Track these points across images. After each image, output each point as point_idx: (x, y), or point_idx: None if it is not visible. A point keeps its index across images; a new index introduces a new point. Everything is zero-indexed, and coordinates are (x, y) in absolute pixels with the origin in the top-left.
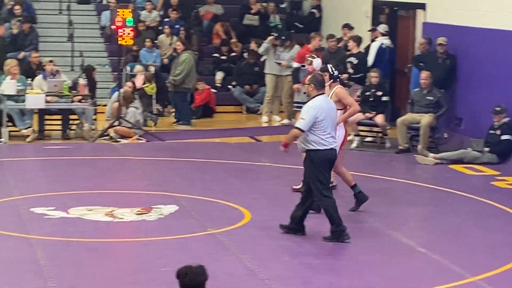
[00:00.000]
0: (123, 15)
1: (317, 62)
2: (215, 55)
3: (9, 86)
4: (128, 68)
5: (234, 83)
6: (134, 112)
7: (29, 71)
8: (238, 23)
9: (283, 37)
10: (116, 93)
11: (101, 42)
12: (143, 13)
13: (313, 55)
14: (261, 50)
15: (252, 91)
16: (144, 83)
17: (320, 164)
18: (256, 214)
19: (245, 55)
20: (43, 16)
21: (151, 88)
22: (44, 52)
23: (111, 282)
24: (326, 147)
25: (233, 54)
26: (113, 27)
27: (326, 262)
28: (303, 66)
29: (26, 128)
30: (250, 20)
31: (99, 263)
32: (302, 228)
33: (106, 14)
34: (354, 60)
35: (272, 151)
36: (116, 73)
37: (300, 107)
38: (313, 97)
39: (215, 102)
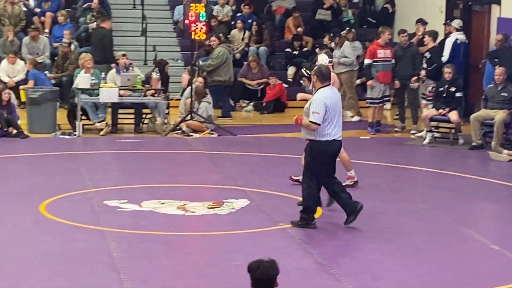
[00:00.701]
0: (196, 9)
1: (321, 57)
2: (287, 50)
3: (84, 80)
4: (201, 62)
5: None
6: (206, 106)
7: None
8: (310, 17)
9: (331, 34)
10: (189, 88)
11: (174, 36)
12: (216, 8)
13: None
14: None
15: None
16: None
17: (316, 154)
18: (327, 209)
19: (317, 50)
20: (117, 11)
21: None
22: (118, 47)
23: (183, 275)
24: (327, 139)
25: (305, 49)
26: (186, 21)
27: (397, 258)
28: (375, 61)
29: (99, 122)
30: (323, 15)
31: (171, 256)
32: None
33: (179, 9)
34: (428, 55)
35: (343, 146)
36: (188, 67)
37: (373, 103)
38: (318, 89)
39: (287, 97)
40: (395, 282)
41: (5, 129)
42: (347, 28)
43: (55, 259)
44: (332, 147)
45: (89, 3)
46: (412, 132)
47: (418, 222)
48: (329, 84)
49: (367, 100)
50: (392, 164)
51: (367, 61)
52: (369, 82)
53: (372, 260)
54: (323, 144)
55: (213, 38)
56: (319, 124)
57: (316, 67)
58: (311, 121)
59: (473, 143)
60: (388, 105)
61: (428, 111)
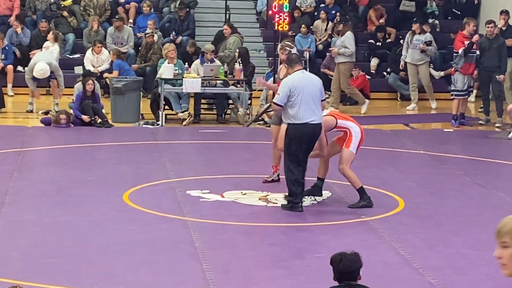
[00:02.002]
0: (280, 0)
1: (294, 51)
2: (370, 41)
3: (167, 70)
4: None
5: (389, 69)
6: None
7: (186, 55)
8: (394, 9)
9: (335, 22)
10: (271, 79)
11: (256, 27)
12: None
13: (289, 43)
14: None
15: (407, 78)
16: None
17: (292, 137)
18: (410, 202)
19: (401, 41)
20: (201, 1)
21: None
22: (201, 37)
23: (265, 266)
24: (300, 121)
25: (389, 40)
26: (269, 12)
27: (483, 253)
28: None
29: (182, 112)
30: (407, 6)
31: (252, 247)
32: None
33: (262, 0)
34: None
35: (426, 139)
36: (271, 58)
37: (458, 95)
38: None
39: (369, 88)
40: (479, 277)
41: (93, 118)
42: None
43: (138, 248)
44: (305, 130)
45: None
46: (496, 125)
47: (502, 217)
48: (301, 69)
49: (452, 92)
50: (476, 157)
51: (461, 50)
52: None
53: (456, 254)
54: (296, 127)
55: (225, 26)
56: (279, 105)
57: (287, 57)
58: (272, 102)
59: None
60: (472, 97)
61: None
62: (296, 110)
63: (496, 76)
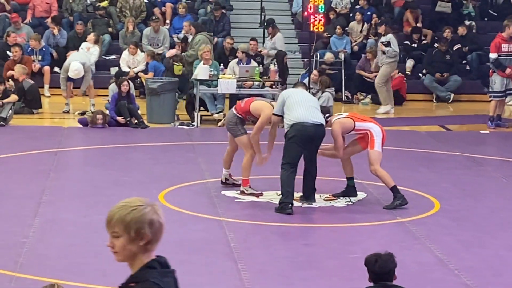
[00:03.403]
0: (315, 1)
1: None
2: (406, 42)
3: (202, 71)
4: (318, 55)
5: (424, 71)
6: (328, 97)
7: (222, 56)
8: (430, 10)
9: (265, 23)
10: (306, 79)
11: (292, 28)
12: (335, 0)
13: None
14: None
15: (443, 80)
16: None
17: (288, 137)
18: (446, 204)
19: (436, 44)
20: (236, 3)
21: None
22: (236, 38)
23: (300, 266)
24: (297, 121)
25: (424, 41)
26: (304, 13)
27: None
28: (499, 55)
29: (217, 113)
30: (443, 7)
31: (288, 248)
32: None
33: (298, 1)
34: None
35: (462, 140)
36: (306, 59)
37: (495, 97)
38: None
39: (406, 90)
40: None
41: (128, 118)
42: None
43: (175, 248)
44: (302, 130)
45: None
46: None
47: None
48: (301, 88)
49: (489, 94)
50: None
51: (492, 55)
52: (508, 71)
53: (493, 255)
54: (295, 128)
55: (190, 26)
56: (277, 115)
57: None
58: (273, 114)
59: None
60: (510, 100)
61: None
62: (293, 111)
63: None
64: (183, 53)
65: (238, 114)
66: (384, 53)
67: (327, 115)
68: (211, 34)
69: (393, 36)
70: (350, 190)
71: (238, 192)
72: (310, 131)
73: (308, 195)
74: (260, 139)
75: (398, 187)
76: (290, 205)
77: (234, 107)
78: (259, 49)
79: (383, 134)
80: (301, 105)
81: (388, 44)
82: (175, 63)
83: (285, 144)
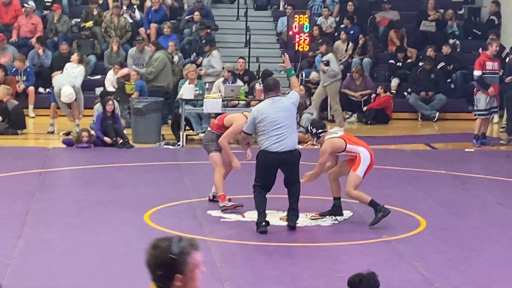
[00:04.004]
0: (300, 21)
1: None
2: (391, 61)
3: (188, 90)
4: (304, 74)
5: (409, 89)
6: (308, 117)
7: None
8: (414, 29)
9: (203, 41)
10: None
11: (277, 48)
12: (320, 19)
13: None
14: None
15: (428, 98)
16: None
17: (257, 164)
18: (432, 222)
19: (420, 63)
20: (221, 23)
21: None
22: (222, 58)
23: (286, 285)
24: (265, 149)
25: (409, 60)
26: (289, 33)
27: (506, 272)
28: (483, 73)
29: (203, 132)
30: (427, 26)
31: (274, 267)
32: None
33: (282, 20)
34: None
35: (448, 159)
36: None
37: (480, 115)
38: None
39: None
40: None
41: (114, 138)
42: (320, 40)
43: None
44: (268, 159)
45: (192, 15)
46: None
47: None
48: (273, 95)
49: (474, 112)
50: (498, 177)
51: (476, 72)
52: (490, 90)
53: (479, 273)
54: (261, 155)
55: (150, 44)
56: (246, 133)
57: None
58: (242, 130)
59: None
60: (496, 118)
61: None
62: (262, 138)
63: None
64: (142, 71)
65: (213, 131)
66: (324, 72)
67: (320, 130)
68: (170, 53)
69: (333, 56)
70: (336, 210)
71: (221, 206)
72: (275, 160)
73: (289, 217)
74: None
75: (385, 206)
76: (263, 223)
77: (210, 125)
78: (199, 69)
79: (372, 161)
80: (269, 133)
81: (327, 63)
82: (126, 82)
83: (256, 166)
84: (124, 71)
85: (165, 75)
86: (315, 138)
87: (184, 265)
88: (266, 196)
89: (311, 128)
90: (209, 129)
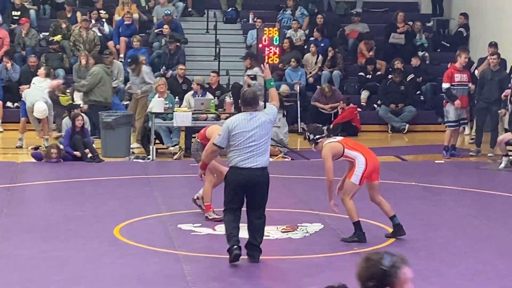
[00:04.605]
0: (270, 34)
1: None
2: (361, 74)
3: (157, 104)
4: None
5: (379, 102)
6: (276, 132)
7: (177, 88)
8: (384, 41)
9: (128, 60)
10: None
11: None
12: (289, 32)
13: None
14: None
15: (398, 110)
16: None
17: (227, 182)
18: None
19: (390, 75)
20: (190, 36)
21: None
22: (191, 71)
23: None
24: (235, 166)
25: (378, 73)
26: (259, 46)
27: (477, 284)
28: (452, 85)
29: (173, 146)
30: (396, 38)
31: (246, 281)
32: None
33: (252, 33)
34: None
35: (418, 170)
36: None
37: (450, 126)
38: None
39: (360, 121)
40: None
41: (83, 151)
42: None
43: (130, 282)
44: (238, 175)
45: (161, 29)
46: (489, 155)
47: (495, 247)
48: (250, 110)
49: (445, 124)
50: (468, 188)
51: (445, 85)
52: (457, 102)
53: (450, 285)
54: (232, 172)
55: (89, 57)
56: (219, 146)
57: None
58: (213, 143)
59: None
60: (466, 130)
61: (504, 135)
62: (234, 153)
63: (499, 111)
64: (75, 83)
65: (198, 141)
66: (249, 86)
67: (318, 136)
68: (108, 66)
69: (259, 70)
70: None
71: (209, 217)
72: (245, 177)
73: (250, 252)
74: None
75: (359, 220)
76: (234, 246)
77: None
78: (127, 87)
79: (366, 167)
80: (241, 149)
81: (254, 78)
82: (61, 95)
83: (224, 184)
84: (54, 83)
85: (102, 89)
86: (313, 144)
87: (395, 278)
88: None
89: (308, 134)
90: (196, 139)
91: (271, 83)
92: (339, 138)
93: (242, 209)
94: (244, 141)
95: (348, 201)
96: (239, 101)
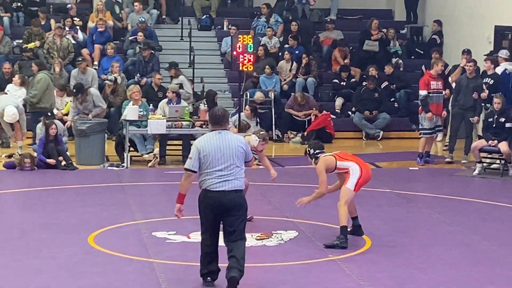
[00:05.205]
0: (244, 41)
1: (253, 139)
2: (335, 81)
3: (132, 111)
4: (248, 94)
5: (353, 109)
6: (251, 138)
7: (153, 96)
8: (358, 49)
9: (74, 90)
10: (233, 118)
11: (221, 68)
12: (264, 39)
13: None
14: None
15: (372, 117)
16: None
17: (199, 205)
18: (377, 241)
19: (364, 82)
20: (165, 43)
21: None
22: (166, 78)
23: None
24: (205, 188)
25: (353, 80)
26: (233, 53)
27: None
28: (430, 93)
29: (147, 153)
30: (370, 46)
31: None
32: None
33: (226, 40)
34: (490, 80)
35: (392, 177)
36: (236, 99)
37: (425, 134)
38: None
39: (334, 127)
40: None
41: (57, 159)
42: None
43: None
44: (208, 199)
45: (136, 36)
46: (463, 161)
47: (469, 254)
48: (219, 129)
49: (420, 131)
50: (441, 195)
51: (422, 92)
52: (428, 115)
53: None
54: (202, 194)
55: (33, 64)
56: (191, 171)
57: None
58: (184, 168)
59: None
60: (440, 136)
61: (478, 141)
62: (205, 176)
63: (470, 118)
64: (25, 96)
65: None
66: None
67: (318, 150)
68: (52, 73)
69: (185, 78)
70: (356, 230)
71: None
72: (218, 200)
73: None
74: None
75: (329, 225)
76: (203, 275)
77: None
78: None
79: (361, 173)
80: (212, 172)
81: (181, 86)
82: None
83: (199, 209)
84: None
85: (48, 96)
86: (313, 159)
87: None
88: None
89: (308, 149)
90: None
91: None
92: (335, 152)
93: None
94: (214, 162)
95: (343, 205)
96: (208, 119)
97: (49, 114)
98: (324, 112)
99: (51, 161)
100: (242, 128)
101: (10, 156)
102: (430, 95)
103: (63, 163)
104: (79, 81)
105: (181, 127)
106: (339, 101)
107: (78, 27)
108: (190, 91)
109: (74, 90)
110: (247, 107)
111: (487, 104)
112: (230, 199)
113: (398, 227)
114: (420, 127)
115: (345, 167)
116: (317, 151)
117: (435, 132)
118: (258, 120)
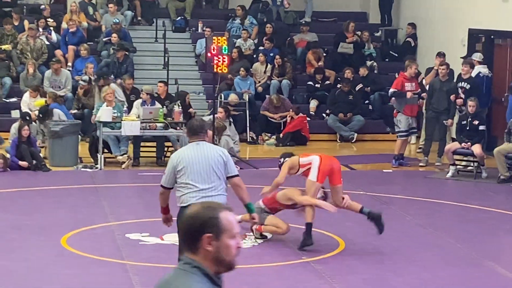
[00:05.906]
0: (218, 43)
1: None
2: (309, 83)
3: (105, 113)
4: (223, 96)
5: (328, 111)
6: (226, 140)
7: (126, 99)
8: (332, 51)
9: (40, 115)
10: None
11: (196, 70)
12: (238, 41)
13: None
14: None
15: (346, 120)
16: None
17: (178, 224)
18: (350, 243)
19: (338, 85)
20: (139, 44)
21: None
22: (140, 80)
23: None
24: (183, 204)
25: (327, 82)
26: (208, 55)
27: None
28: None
29: (121, 155)
30: (345, 48)
31: None
32: None
33: (201, 42)
34: (466, 85)
35: (366, 179)
36: (210, 100)
37: (401, 136)
38: None
39: (309, 130)
40: None
41: (31, 162)
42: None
43: None
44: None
45: (110, 37)
46: (436, 164)
47: (442, 256)
48: (196, 140)
49: (396, 133)
50: (415, 197)
51: (391, 89)
52: (409, 94)
53: None
54: (181, 211)
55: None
56: (165, 187)
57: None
58: (161, 184)
59: (501, 177)
60: (413, 139)
61: (451, 144)
62: (183, 191)
63: (444, 121)
64: None
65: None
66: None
67: (287, 159)
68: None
69: (117, 86)
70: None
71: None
72: None
73: None
74: None
75: (302, 227)
76: None
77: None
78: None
79: (321, 162)
80: (191, 186)
81: (89, 81)
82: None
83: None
84: None
85: None
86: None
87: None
88: None
89: (279, 160)
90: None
91: (252, 207)
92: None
93: None
94: (192, 174)
95: (310, 200)
96: (186, 130)
97: (27, 118)
98: (301, 114)
99: (23, 163)
100: (219, 130)
101: None
102: (405, 98)
103: (36, 164)
104: (52, 82)
105: (155, 129)
106: (313, 103)
107: (51, 28)
108: (122, 98)
109: (40, 116)
110: (220, 109)
111: (462, 107)
112: None
113: (371, 229)
114: (396, 129)
115: (307, 162)
116: (286, 159)
117: (410, 134)
118: (231, 121)
